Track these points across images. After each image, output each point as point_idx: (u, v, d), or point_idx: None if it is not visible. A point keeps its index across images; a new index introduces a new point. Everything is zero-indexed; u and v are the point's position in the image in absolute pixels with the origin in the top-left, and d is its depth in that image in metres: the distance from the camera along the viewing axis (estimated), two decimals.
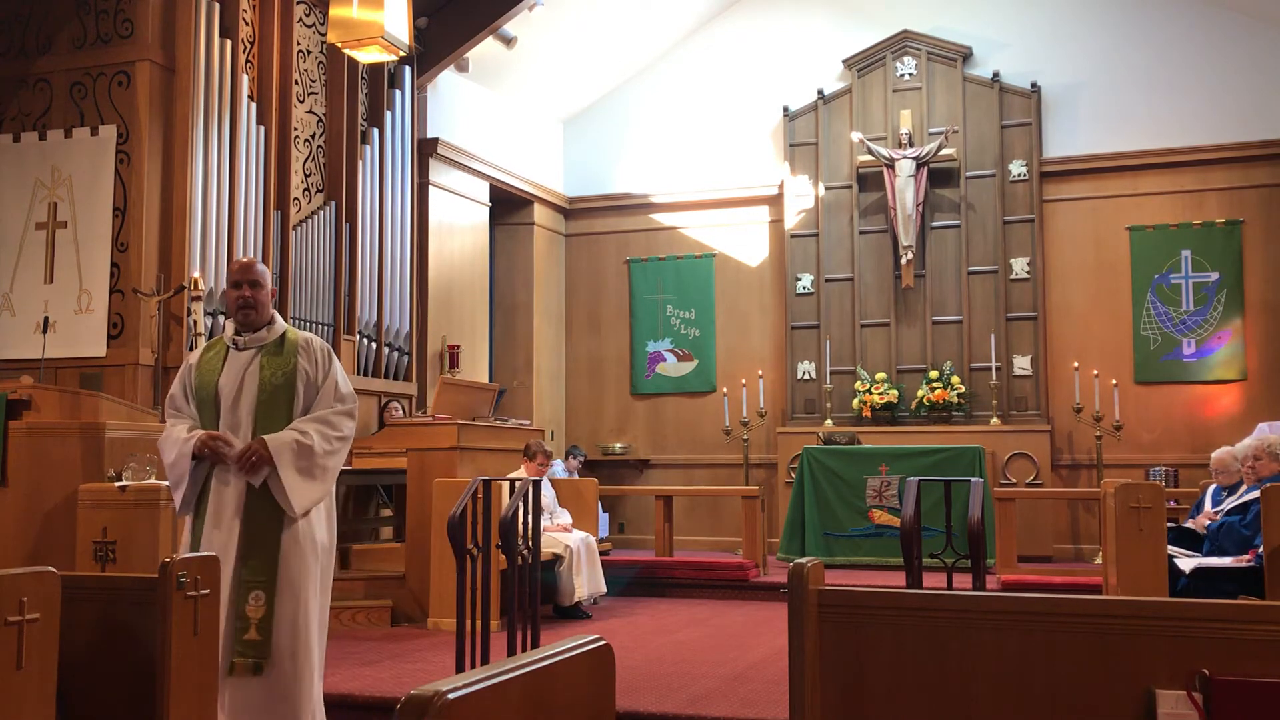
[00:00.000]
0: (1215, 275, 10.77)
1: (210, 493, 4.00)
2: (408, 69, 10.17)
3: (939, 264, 11.43)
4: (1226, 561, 6.08)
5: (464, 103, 11.21)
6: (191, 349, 7.26)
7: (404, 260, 10.07)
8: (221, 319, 7.97)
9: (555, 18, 11.08)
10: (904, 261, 11.27)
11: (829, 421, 11.32)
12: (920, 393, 11.17)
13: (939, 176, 11.39)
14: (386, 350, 9.82)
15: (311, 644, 3.98)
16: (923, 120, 11.48)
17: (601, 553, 8.41)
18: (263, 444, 3.94)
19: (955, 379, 11.11)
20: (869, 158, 11.44)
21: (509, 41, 10.94)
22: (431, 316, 10.49)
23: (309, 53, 9.23)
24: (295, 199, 8.96)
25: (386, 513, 9.15)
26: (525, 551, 5.36)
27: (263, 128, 8.57)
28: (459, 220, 11.02)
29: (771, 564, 10.02)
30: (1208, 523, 6.55)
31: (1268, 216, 10.73)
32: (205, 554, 3.46)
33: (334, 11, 8.52)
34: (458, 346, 10.68)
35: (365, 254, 9.58)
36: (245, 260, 4.21)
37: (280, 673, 3.89)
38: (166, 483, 6.11)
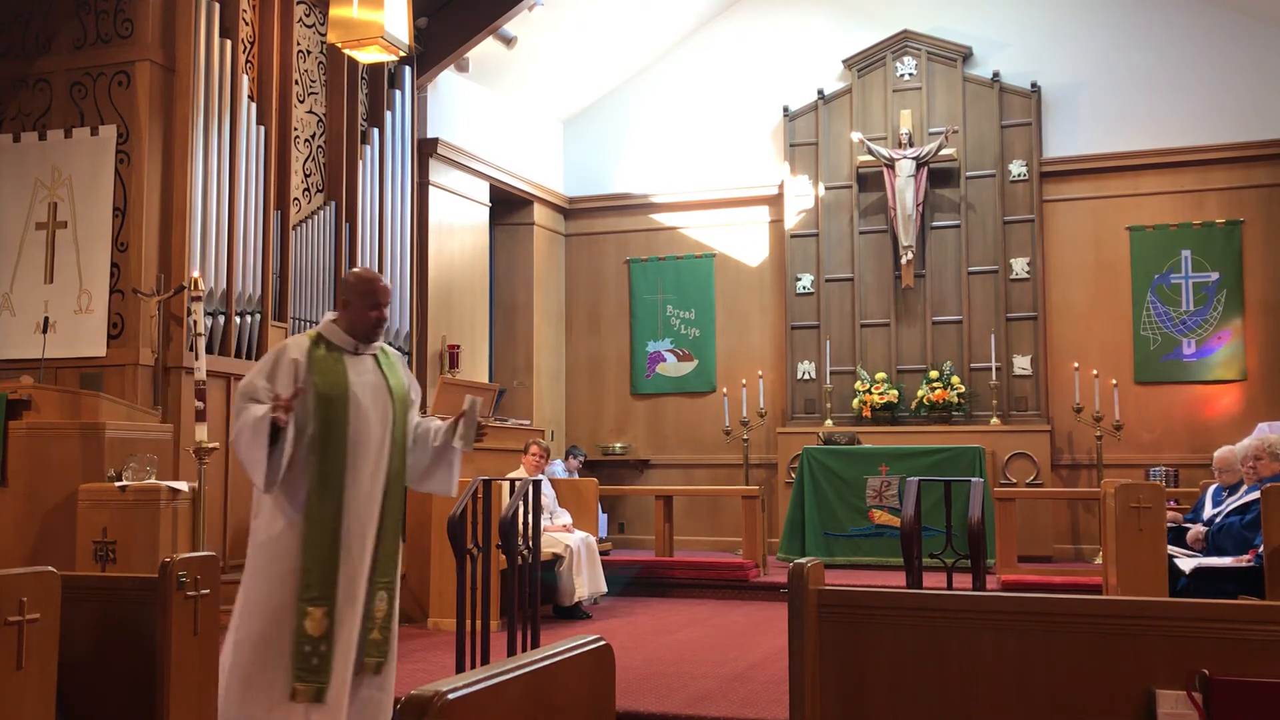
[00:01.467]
0: (1215, 275, 10.77)
1: (338, 497, 3.92)
2: (408, 69, 10.17)
3: (939, 264, 11.43)
4: (1226, 561, 6.08)
5: (464, 103, 11.21)
6: (191, 349, 7.25)
7: (404, 260, 10.07)
8: (221, 319, 7.97)
9: (555, 18, 11.07)
10: (904, 261, 11.27)
11: (829, 421, 11.32)
12: (920, 393, 11.17)
13: (939, 176, 11.39)
14: None
15: None
16: (923, 120, 11.48)
17: (601, 553, 8.41)
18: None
19: (955, 379, 11.11)
20: (869, 158, 11.44)
21: (509, 41, 10.94)
22: (431, 316, 10.49)
23: (309, 53, 9.23)
24: (295, 199, 8.96)
25: None
26: (525, 551, 5.37)
27: (263, 128, 8.57)
28: (459, 220, 11.02)
29: (771, 564, 10.02)
30: (1205, 531, 6.55)
31: (1268, 216, 10.73)
32: (205, 554, 3.46)
33: (334, 11, 8.52)
34: (458, 346, 10.68)
35: (365, 254, 9.58)
36: (381, 279, 4.16)
37: (390, 668, 4.02)
38: (167, 482, 6.14)
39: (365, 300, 4.06)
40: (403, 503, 4.15)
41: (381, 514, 3.99)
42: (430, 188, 10.56)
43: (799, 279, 11.81)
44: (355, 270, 4.27)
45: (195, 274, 7.26)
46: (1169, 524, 6.62)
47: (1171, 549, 6.23)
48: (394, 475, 4.06)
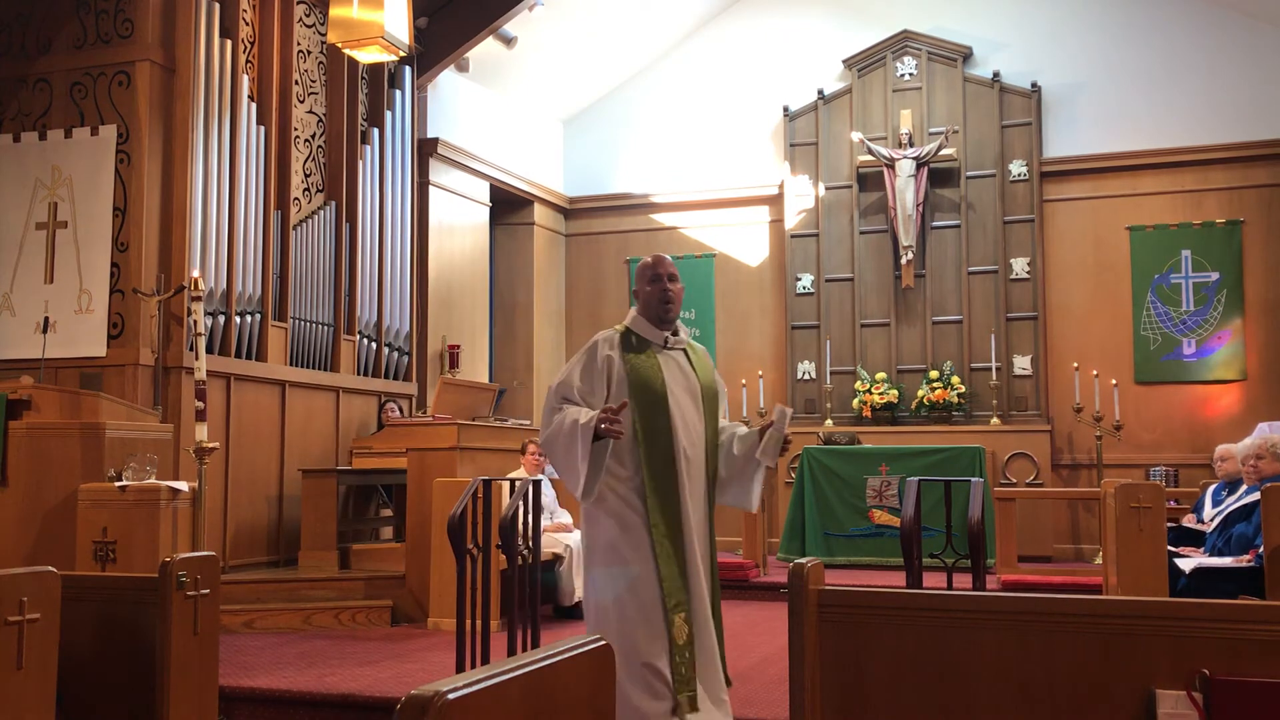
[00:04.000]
0: (1215, 275, 10.77)
1: (676, 502, 3.87)
2: (408, 69, 10.17)
3: (939, 264, 11.42)
4: (1226, 561, 6.08)
5: (464, 103, 11.21)
6: (191, 349, 7.25)
7: (404, 260, 10.07)
8: (221, 319, 7.97)
9: (555, 18, 11.07)
10: (904, 261, 11.27)
11: (829, 421, 11.32)
12: (920, 393, 11.16)
13: (939, 176, 11.39)
14: (386, 350, 9.81)
15: None
16: (923, 120, 11.48)
17: None
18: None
19: (955, 379, 11.10)
20: (869, 158, 11.43)
21: (509, 41, 10.94)
22: (431, 316, 10.49)
23: (309, 53, 9.23)
24: (295, 199, 8.96)
25: (386, 513, 9.15)
26: (525, 551, 5.36)
27: (263, 128, 8.57)
28: (459, 220, 11.01)
29: (771, 564, 10.02)
30: (1213, 523, 6.55)
31: (1268, 216, 10.72)
32: (205, 554, 3.46)
33: (334, 11, 8.52)
34: (458, 346, 10.68)
35: (365, 254, 9.58)
36: (658, 255, 4.12)
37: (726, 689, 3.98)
38: (167, 482, 6.13)
39: (645, 277, 4.03)
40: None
41: (708, 517, 3.95)
42: (430, 188, 10.56)
43: (799, 279, 11.80)
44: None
45: (195, 274, 7.25)
46: (1172, 523, 6.63)
47: (1171, 549, 6.23)
48: (711, 478, 3.99)
